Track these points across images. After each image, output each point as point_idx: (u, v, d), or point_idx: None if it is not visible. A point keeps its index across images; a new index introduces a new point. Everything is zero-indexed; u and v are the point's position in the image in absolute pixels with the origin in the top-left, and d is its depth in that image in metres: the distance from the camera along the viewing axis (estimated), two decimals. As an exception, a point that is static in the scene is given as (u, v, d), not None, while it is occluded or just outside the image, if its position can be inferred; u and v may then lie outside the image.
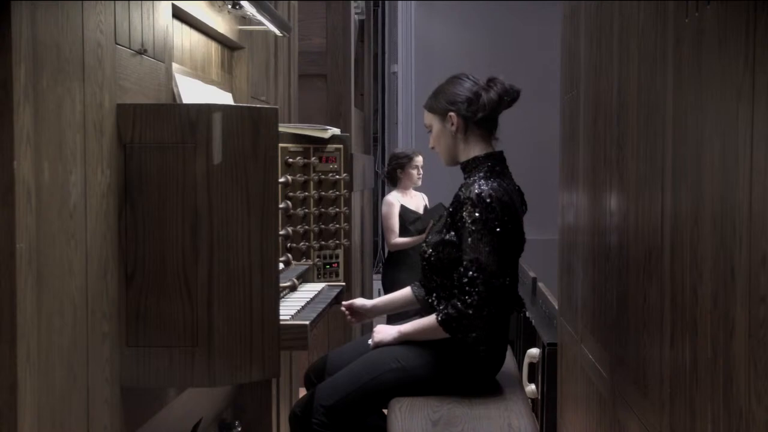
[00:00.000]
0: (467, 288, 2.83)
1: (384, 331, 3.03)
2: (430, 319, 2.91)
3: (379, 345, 3.02)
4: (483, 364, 2.98)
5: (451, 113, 3.00)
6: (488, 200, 2.84)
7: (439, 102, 3.05)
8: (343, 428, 2.98)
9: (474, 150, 3.01)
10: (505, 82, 3.00)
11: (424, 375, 2.94)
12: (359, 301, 3.31)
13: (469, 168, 3.01)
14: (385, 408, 3.02)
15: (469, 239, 2.83)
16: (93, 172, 1.89)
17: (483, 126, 3.01)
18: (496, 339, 2.96)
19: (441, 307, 2.91)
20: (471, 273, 2.82)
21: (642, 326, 2.17)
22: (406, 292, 3.29)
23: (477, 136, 3.01)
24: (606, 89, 2.65)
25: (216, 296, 2.08)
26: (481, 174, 2.94)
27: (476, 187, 2.87)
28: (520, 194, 3.06)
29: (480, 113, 2.97)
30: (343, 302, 3.27)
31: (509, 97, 3.00)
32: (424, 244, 3.06)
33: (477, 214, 2.83)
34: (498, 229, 2.84)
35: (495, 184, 2.88)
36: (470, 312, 2.82)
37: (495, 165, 2.97)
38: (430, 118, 3.09)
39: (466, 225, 2.85)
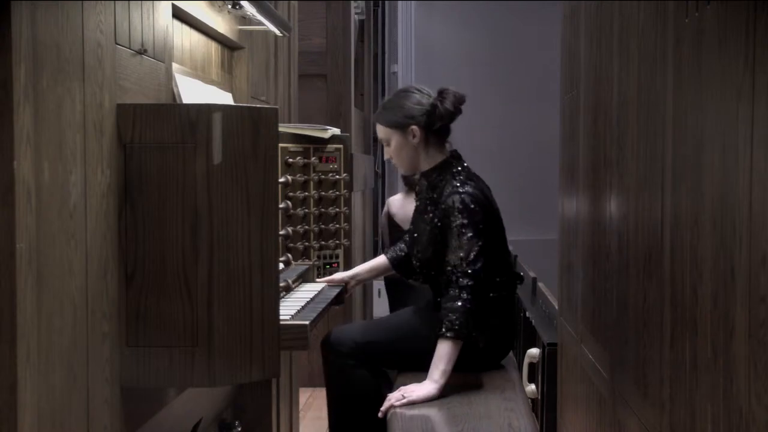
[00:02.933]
0: (455, 291, 3.04)
1: (418, 391, 3.01)
2: (442, 345, 3.03)
3: (414, 403, 3.00)
4: (493, 345, 3.27)
5: (413, 126, 3.24)
6: (472, 206, 3.12)
7: (396, 116, 3.27)
8: (364, 364, 3.26)
9: (435, 157, 3.29)
10: (454, 91, 3.27)
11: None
12: (338, 276, 3.38)
13: (434, 175, 3.28)
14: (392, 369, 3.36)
15: (456, 242, 3.09)
16: (93, 172, 1.89)
17: (440, 134, 3.29)
18: (504, 319, 3.27)
19: (441, 329, 3.05)
20: (459, 273, 3.05)
21: (642, 326, 2.17)
22: (382, 259, 3.55)
23: (434, 144, 3.29)
24: (606, 89, 2.65)
25: (216, 296, 2.08)
26: (453, 179, 3.22)
27: (457, 195, 3.14)
28: (483, 182, 3.35)
29: (438, 123, 3.24)
30: (318, 279, 3.35)
31: (460, 103, 3.27)
32: (419, 254, 3.30)
33: (465, 221, 3.10)
34: (481, 226, 3.12)
35: (469, 188, 3.17)
36: (468, 306, 3.02)
37: (457, 165, 3.27)
38: (387, 133, 3.30)
39: (454, 231, 3.10)
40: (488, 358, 3.29)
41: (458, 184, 3.18)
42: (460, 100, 3.26)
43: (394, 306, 5.83)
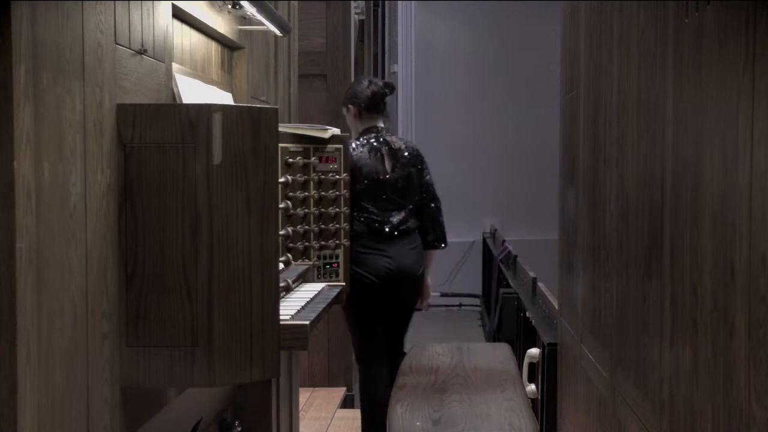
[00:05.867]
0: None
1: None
2: None
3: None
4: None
5: (350, 105, 4.50)
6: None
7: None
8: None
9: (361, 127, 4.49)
10: (379, 82, 4.54)
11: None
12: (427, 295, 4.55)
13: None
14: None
15: None
16: (93, 172, 1.89)
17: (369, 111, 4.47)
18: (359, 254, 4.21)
19: None
20: None
21: (642, 326, 2.17)
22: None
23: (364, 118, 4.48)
24: (606, 89, 2.65)
25: (216, 296, 2.08)
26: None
27: None
28: (380, 149, 4.37)
29: (363, 104, 4.46)
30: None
31: (383, 91, 4.46)
32: None
33: None
34: (350, 169, 3.97)
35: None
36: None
37: (361, 135, 4.42)
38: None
39: None
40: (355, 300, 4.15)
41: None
42: (382, 88, 4.50)
43: None
